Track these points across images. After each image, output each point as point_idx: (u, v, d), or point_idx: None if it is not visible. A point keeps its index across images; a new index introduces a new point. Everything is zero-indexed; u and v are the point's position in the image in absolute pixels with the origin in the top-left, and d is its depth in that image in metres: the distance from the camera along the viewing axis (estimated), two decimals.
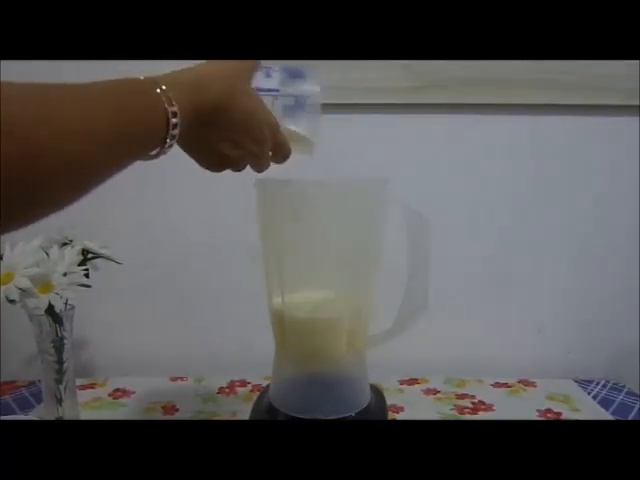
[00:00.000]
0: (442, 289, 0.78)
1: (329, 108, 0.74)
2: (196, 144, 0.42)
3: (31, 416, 0.65)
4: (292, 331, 0.50)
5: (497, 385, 0.75)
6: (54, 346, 0.55)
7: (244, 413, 0.61)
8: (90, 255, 0.57)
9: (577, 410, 0.67)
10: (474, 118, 0.76)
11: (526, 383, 0.76)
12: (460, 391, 0.73)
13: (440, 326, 0.77)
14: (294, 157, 0.48)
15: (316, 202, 0.48)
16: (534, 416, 0.66)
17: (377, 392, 0.57)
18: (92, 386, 0.74)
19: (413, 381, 0.76)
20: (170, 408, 0.67)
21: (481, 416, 0.66)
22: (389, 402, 0.61)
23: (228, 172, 0.78)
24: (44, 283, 0.51)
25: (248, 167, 0.46)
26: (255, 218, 0.51)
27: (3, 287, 0.48)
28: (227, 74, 0.37)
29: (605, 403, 0.70)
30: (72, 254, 0.53)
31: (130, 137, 0.31)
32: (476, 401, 0.70)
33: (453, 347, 0.79)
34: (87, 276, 0.55)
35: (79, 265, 0.54)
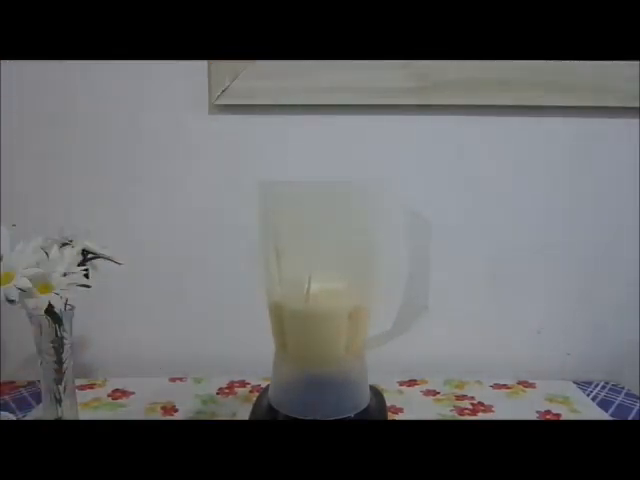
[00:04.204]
0: (442, 290, 0.78)
1: (329, 109, 0.75)
2: None
3: (30, 416, 0.65)
4: (291, 328, 0.50)
5: (496, 386, 0.75)
6: (53, 346, 0.55)
7: (243, 414, 0.61)
8: (90, 255, 0.57)
9: (576, 411, 0.67)
10: (474, 119, 0.76)
11: (525, 384, 0.76)
12: (459, 392, 0.73)
13: (439, 327, 0.77)
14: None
15: (316, 203, 0.48)
16: (533, 417, 0.66)
17: (376, 393, 0.57)
18: (91, 386, 0.74)
19: (412, 382, 0.76)
20: (169, 409, 0.67)
21: (480, 417, 0.66)
22: (388, 403, 0.61)
23: (228, 172, 0.78)
24: (44, 283, 0.51)
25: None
26: (255, 219, 0.51)
27: (3, 287, 0.48)
28: None
29: (604, 404, 0.70)
30: (72, 254, 0.53)
31: None
32: (475, 402, 0.70)
33: (452, 348, 0.79)
34: (87, 276, 0.55)
35: (79, 265, 0.54)
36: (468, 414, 0.67)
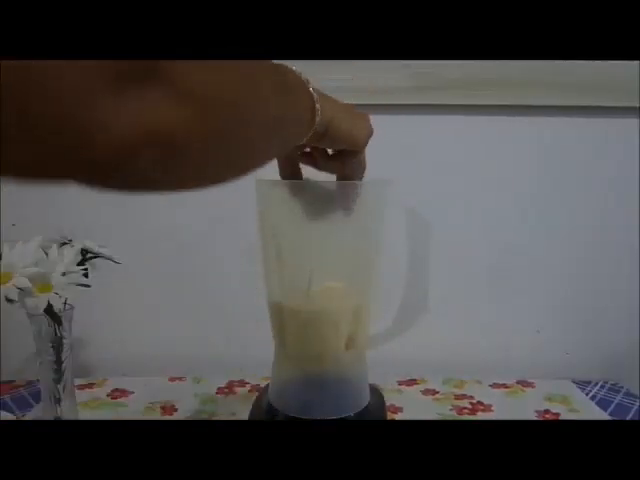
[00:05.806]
0: (441, 289, 0.78)
1: None
2: None
3: (29, 416, 0.65)
4: (291, 327, 0.50)
5: (495, 386, 0.75)
6: (53, 346, 0.55)
7: (243, 413, 0.61)
8: (89, 255, 0.57)
9: (575, 411, 0.68)
10: (474, 119, 0.76)
11: (524, 384, 0.76)
12: (458, 392, 0.73)
13: (439, 326, 0.77)
14: None
15: (316, 202, 0.48)
16: (532, 417, 0.66)
17: (376, 392, 0.57)
18: (91, 386, 0.74)
19: (412, 382, 0.76)
20: (169, 408, 0.67)
21: (479, 417, 0.66)
22: (388, 402, 0.61)
23: None
24: (43, 283, 0.51)
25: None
26: (254, 218, 0.51)
27: (2, 287, 0.48)
28: None
29: (603, 404, 0.70)
30: (71, 254, 0.53)
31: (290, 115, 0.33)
32: (474, 402, 0.70)
33: (452, 347, 0.79)
34: (86, 276, 0.55)
35: (78, 265, 0.54)
36: (467, 413, 0.67)
